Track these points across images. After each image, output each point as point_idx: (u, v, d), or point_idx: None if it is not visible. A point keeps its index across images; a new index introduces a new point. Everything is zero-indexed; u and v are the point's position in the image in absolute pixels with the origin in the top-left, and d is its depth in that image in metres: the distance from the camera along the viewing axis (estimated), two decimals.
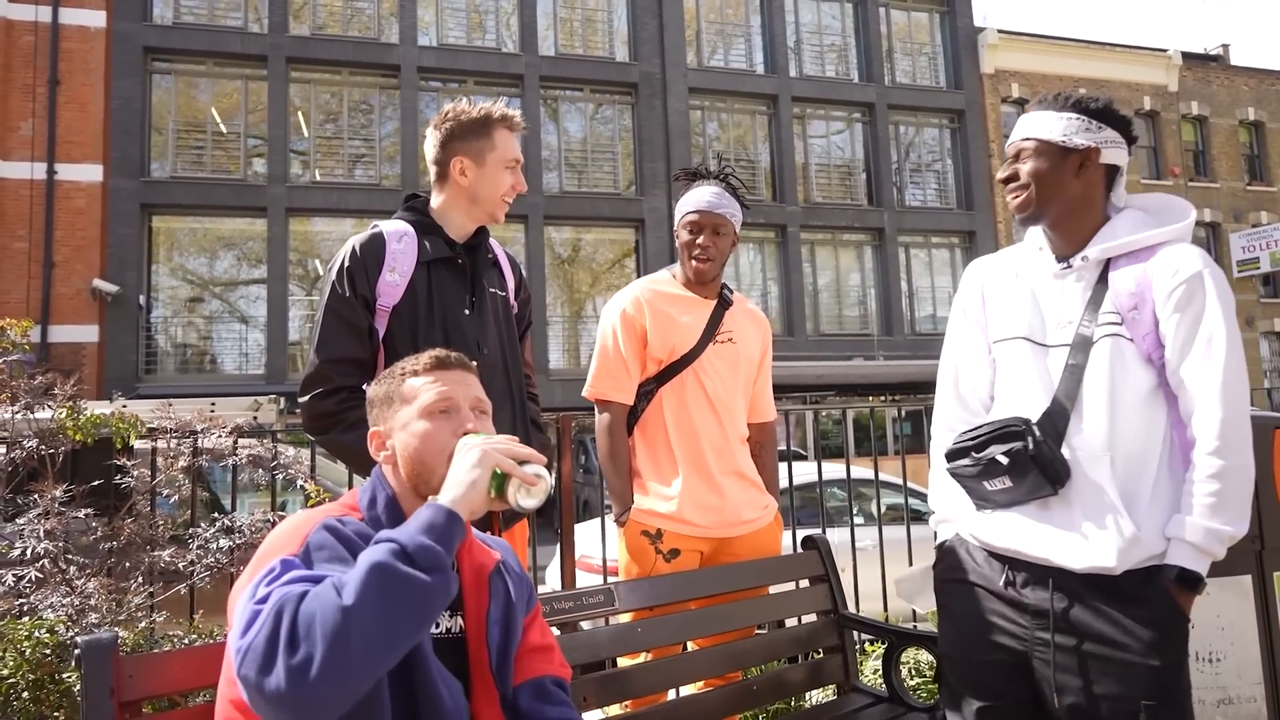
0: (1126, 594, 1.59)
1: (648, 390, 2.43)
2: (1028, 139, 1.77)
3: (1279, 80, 24.77)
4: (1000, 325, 1.81)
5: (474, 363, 2.02)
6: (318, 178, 17.04)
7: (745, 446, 2.50)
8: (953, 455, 1.76)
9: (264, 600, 1.09)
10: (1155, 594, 1.58)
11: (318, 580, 1.11)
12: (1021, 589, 1.69)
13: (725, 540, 2.38)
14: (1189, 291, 1.61)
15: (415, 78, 17.28)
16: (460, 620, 1.38)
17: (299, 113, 17.04)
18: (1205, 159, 23.74)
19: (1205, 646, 2.48)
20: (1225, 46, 25.55)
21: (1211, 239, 23.49)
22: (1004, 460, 1.63)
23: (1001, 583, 1.71)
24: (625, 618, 2.14)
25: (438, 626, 1.34)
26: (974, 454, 1.70)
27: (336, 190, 16.86)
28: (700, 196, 2.42)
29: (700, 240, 2.40)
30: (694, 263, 2.41)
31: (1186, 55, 24.00)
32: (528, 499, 1.24)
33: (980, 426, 1.73)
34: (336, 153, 17.27)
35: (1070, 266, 1.73)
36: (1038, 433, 1.63)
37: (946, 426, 1.89)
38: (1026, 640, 1.67)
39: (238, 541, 2.73)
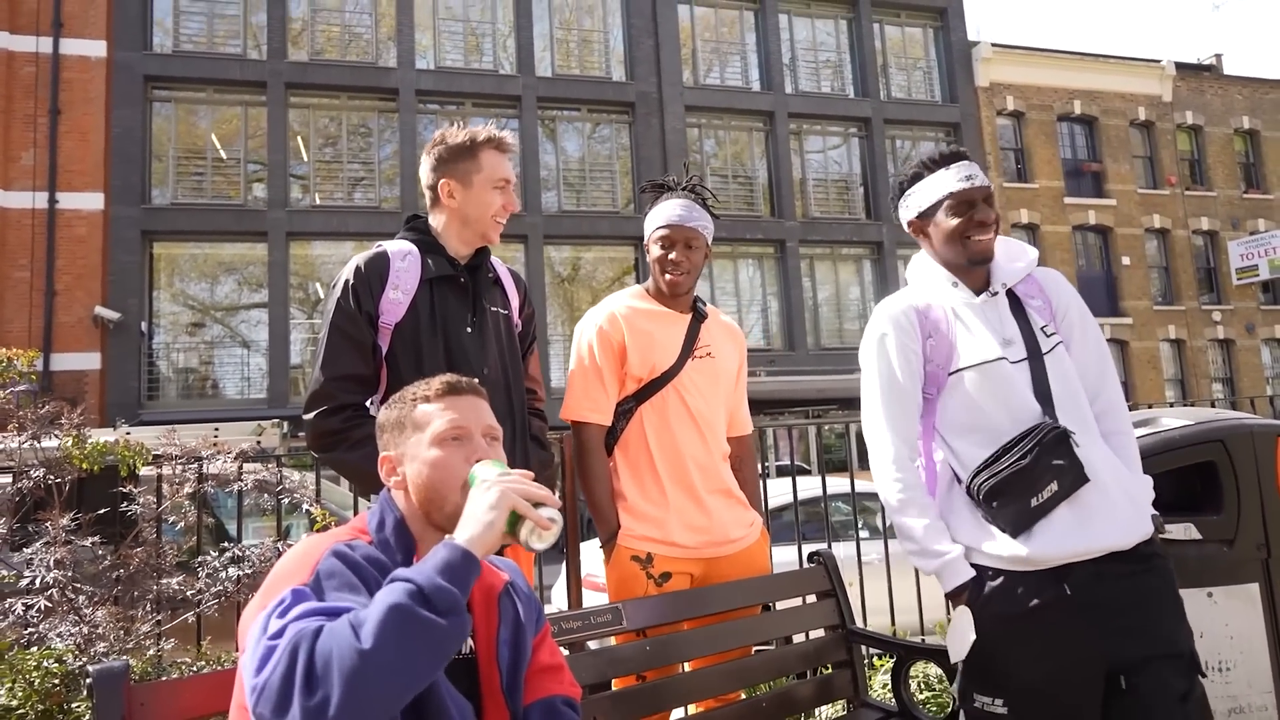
0: (1139, 562, 1.77)
1: (626, 409, 2.36)
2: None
3: (1273, 89, 24.92)
4: (967, 353, 1.91)
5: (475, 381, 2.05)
6: (317, 201, 17.13)
7: (727, 462, 2.45)
8: (996, 490, 1.77)
9: (277, 636, 1.09)
10: (1157, 558, 1.81)
11: (332, 614, 1.12)
12: (1080, 590, 1.73)
13: (714, 560, 2.33)
14: (1079, 304, 1.99)
15: (414, 101, 17.41)
16: (471, 642, 1.38)
17: (298, 137, 17.14)
18: (1201, 168, 23.83)
19: (1214, 655, 2.47)
20: (1218, 56, 25.72)
21: (1210, 247, 23.55)
22: (1062, 463, 1.74)
23: (1065, 591, 1.73)
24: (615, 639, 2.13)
25: None
26: (1023, 473, 1.75)
27: (336, 214, 16.94)
28: (670, 210, 2.36)
29: (673, 255, 2.34)
30: (667, 277, 2.36)
31: (1180, 65, 24.16)
32: (539, 542, 1.24)
33: (1011, 450, 1.77)
34: (336, 176, 17.36)
35: (995, 295, 1.95)
36: (1071, 432, 1.77)
37: (905, 471, 1.90)
38: (1095, 638, 1.72)
39: (246, 570, 2.73)
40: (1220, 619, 2.46)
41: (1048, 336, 1.91)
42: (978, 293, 1.94)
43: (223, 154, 16.74)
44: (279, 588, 1.20)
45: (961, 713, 1.84)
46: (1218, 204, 23.52)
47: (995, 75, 21.85)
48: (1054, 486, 1.74)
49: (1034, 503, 1.74)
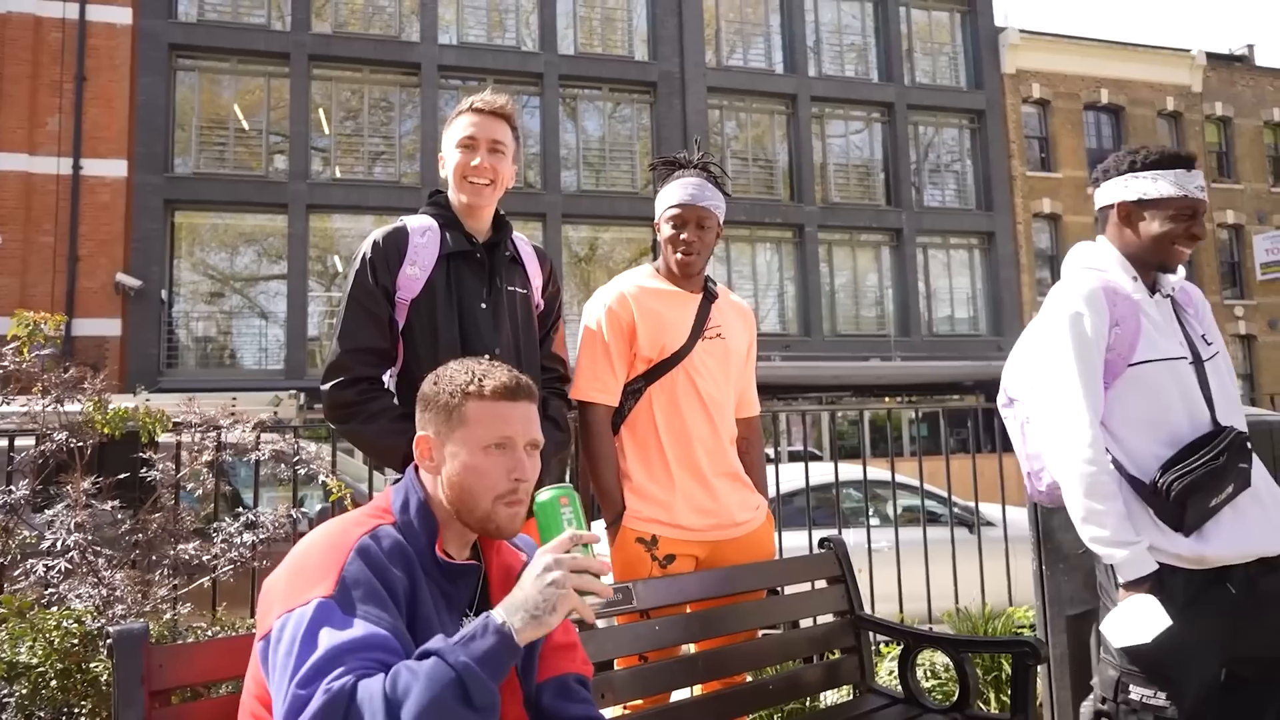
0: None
1: (635, 389, 2.34)
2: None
3: None
4: (1152, 347, 1.92)
5: (487, 357, 2.05)
6: (338, 175, 17.17)
7: (734, 445, 2.43)
8: (1189, 488, 1.79)
9: (308, 683, 1.09)
10: None
11: (363, 656, 1.12)
12: (1240, 589, 1.79)
13: (719, 544, 2.32)
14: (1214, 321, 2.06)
15: (435, 76, 17.37)
16: None
17: (320, 110, 17.16)
18: (1229, 160, 23.46)
19: None
20: (1250, 47, 25.24)
21: (1235, 241, 23.24)
22: (1245, 466, 1.82)
23: (1229, 590, 1.79)
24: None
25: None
26: (1215, 473, 1.78)
27: (356, 187, 16.98)
28: (681, 189, 2.34)
29: (684, 235, 2.33)
30: (679, 257, 2.34)
31: (1210, 55, 23.74)
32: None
33: (1202, 450, 1.81)
34: (356, 150, 17.38)
35: (1165, 296, 2.01)
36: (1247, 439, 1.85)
37: (1099, 453, 1.87)
38: (1249, 636, 1.79)
39: (260, 536, 2.77)
40: None
41: (1208, 345, 1.98)
42: (1151, 293, 2.00)
43: (245, 125, 16.79)
44: (304, 581, 1.19)
45: (1114, 705, 1.83)
46: (1245, 197, 23.17)
47: (1022, 62, 21.54)
48: (1230, 489, 1.80)
49: (1212, 503, 1.79)
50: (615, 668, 2.10)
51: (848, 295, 20.00)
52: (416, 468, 1.40)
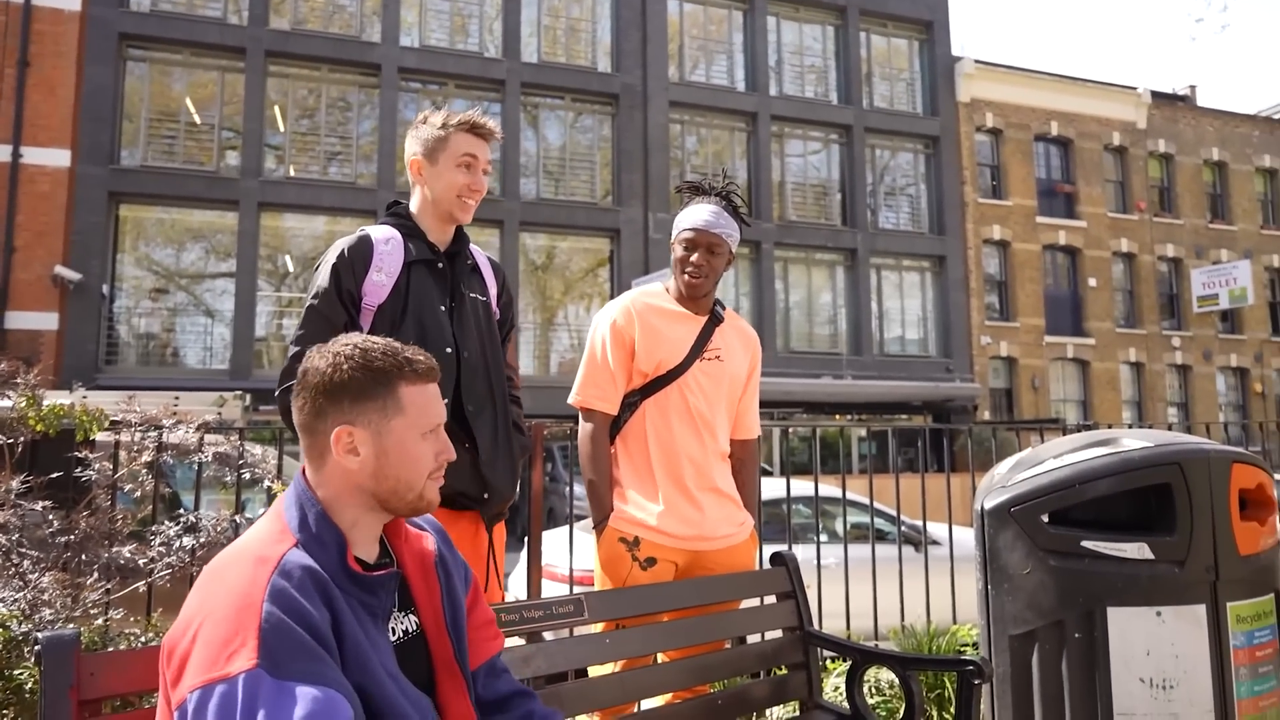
0: None
1: (631, 402, 2.42)
2: None
3: (1242, 123, 25.48)
4: None
5: (447, 350, 2.05)
6: (292, 173, 16.86)
7: (725, 463, 2.50)
8: None
9: None
10: None
11: None
12: None
13: (700, 554, 2.39)
14: None
15: (396, 78, 17.19)
16: (414, 618, 1.35)
17: (275, 107, 16.85)
18: (1170, 195, 24.31)
19: (1159, 673, 2.52)
20: (1193, 87, 26.25)
21: (1173, 274, 24.05)
22: None
23: None
24: (596, 628, 2.14)
25: (394, 633, 1.29)
26: None
27: (310, 187, 16.69)
28: (698, 214, 2.43)
29: (694, 258, 2.41)
30: (686, 278, 2.43)
31: (1156, 94, 24.62)
32: None
33: None
34: (312, 149, 17.10)
35: None
36: None
37: None
38: None
39: (200, 540, 2.68)
40: (1167, 638, 2.51)
41: None
42: None
43: (197, 118, 16.40)
44: (217, 644, 1.04)
45: None
46: (1184, 232, 24.02)
47: (976, 91, 22.10)
48: None
49: None
50: (567, 679, 2.09)
51: (802, 313, 20.22)
52: (304, 474, 1.28)
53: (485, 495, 2.05)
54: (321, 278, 2.03)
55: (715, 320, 2.52)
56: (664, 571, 2.33)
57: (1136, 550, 2.58)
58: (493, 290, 2.29)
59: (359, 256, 2.04)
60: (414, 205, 2.19)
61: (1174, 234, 23.88)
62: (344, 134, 17.28)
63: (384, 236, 2.10)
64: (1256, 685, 2.58)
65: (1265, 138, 25.44)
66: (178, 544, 2.64)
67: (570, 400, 2.46)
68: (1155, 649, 2.51)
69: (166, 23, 16.14)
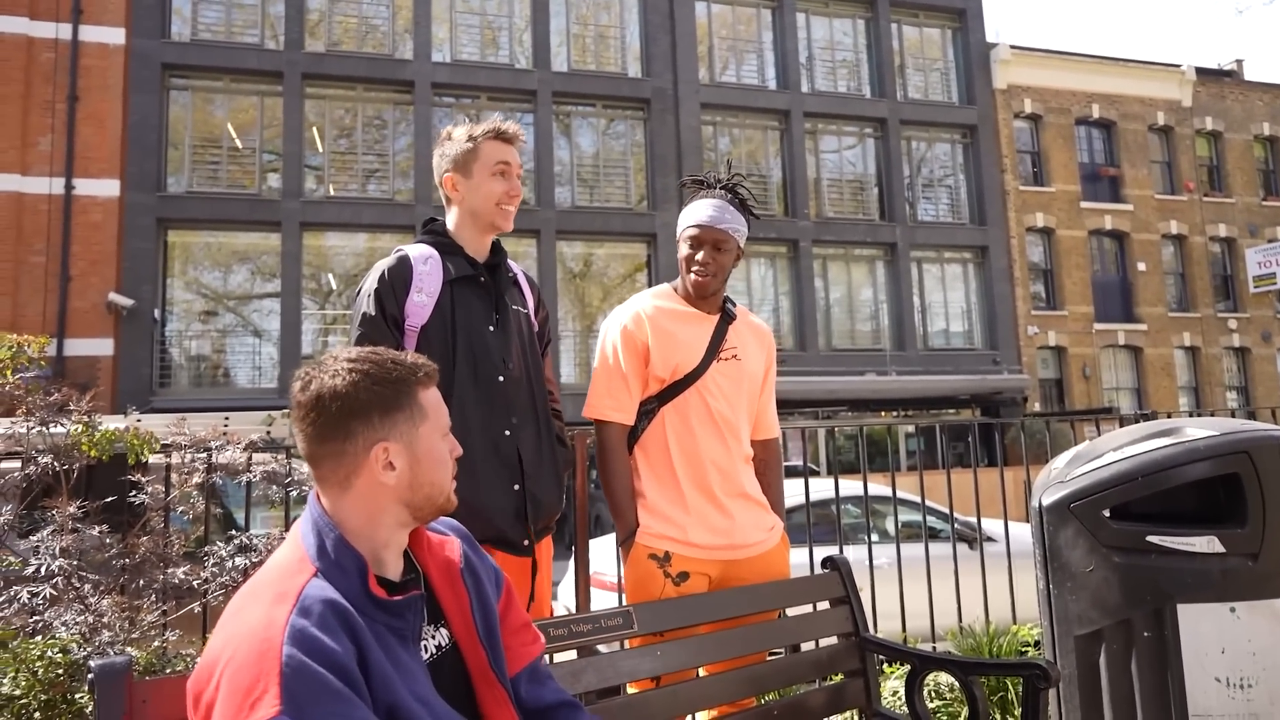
0: None
1: (649, 409, 2.33)
2: None
3: None
4: None
5: (499, 379, 2.04)
6: (331, 193, 17.15)
7: (750, 466, 2.42)
8: None
9: None
10: None
11: None
12: None
13: (733, 563, 2.30)
14: None
15: (429, 93, 17.40)
16: (446, 631, 1.32)
17: (313, 128, 17.17)
18: (1220, 174, 23.61)
19: (1236, 672, 2.42)
20: (1239, 62, 25.46)
21: (1226, 254, 23.35)
22: None
23: None
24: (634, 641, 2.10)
25: (426, 650, 1.26)
26: None
27: (350, 205, 16.96)
28: (702, 210, 2.34)
29: (700, 256, 2.32)
30: (693, 278, 2.34)
31: (1200, 70, 23.93)
32: None
33: None
34: (350, 168, 17.38)
35: None
36: None
37: None
38: None
39: (253, 560, 2.71)
40: (1243, 634, 2.41)
41: None
42: None
43: (238, 143, 16.78)
44: (240, 692, 1.02)
45: None
46: (1236, 211, 23.30)
47: (1013, 78, 21.69)
48: None
49: None
50: (619, 693, 2.06)
51: (842, 310, 20.01)
52: (319, 498, 1.25)
53: (528, 522, 2.03)
54: (365, 303, 2.02)
55: (728, 318, 2.42)
56: (698, 585, 2.24)
57: (1206, 544, 2.47)
58: (531, 304, 2.27)
59: (399, 279, 2.03)
60: (450, 223, 2.18)
61: (1225, 213, 23.17)
62: (380, 151, 17.54)
63: (422, 255, 2.09)
64: None
65: None
66: (230, 564, 2.67)
67: (584, 413, 2.36)
68: (1231, 646, 2.41)
69: (206, 51, 16.55)
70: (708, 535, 2.25)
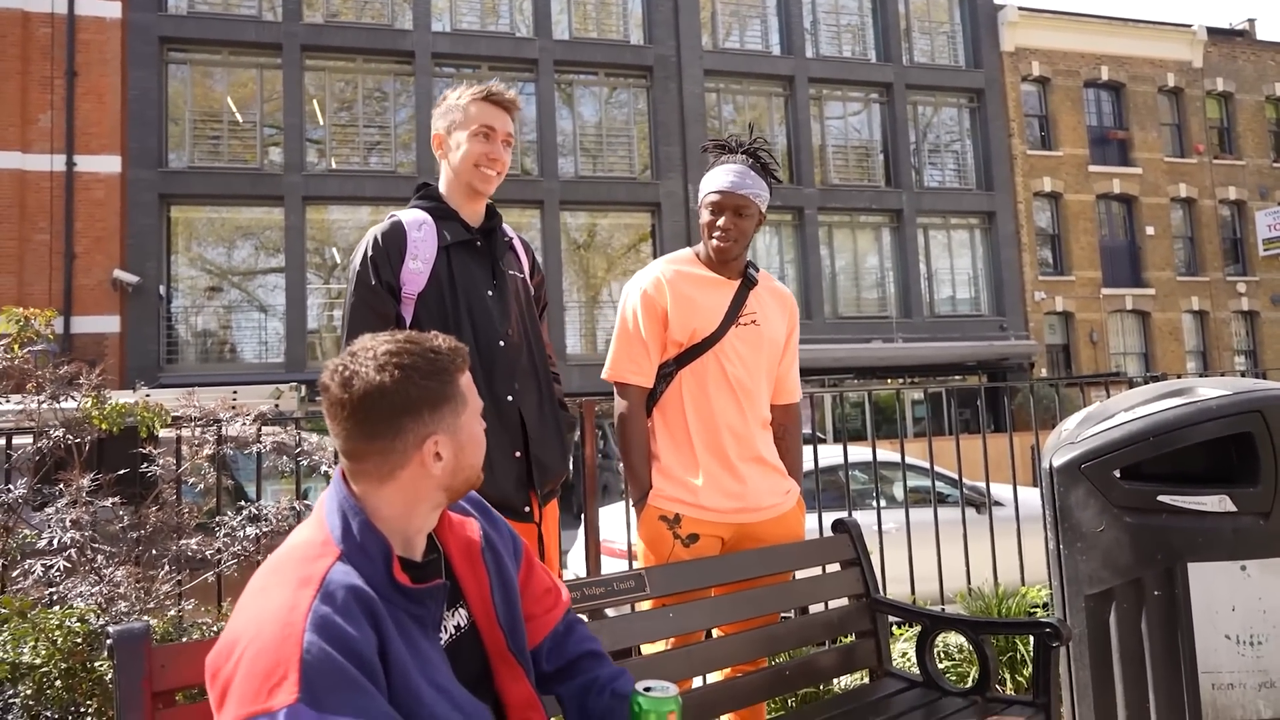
0: None
1: (667, 372, 2.36)
2: None
3: None
4: None
5: (500, 344, 2.03)
6: (333, 166, 17.06)
7: (767, 431, 2.43)
8: None
9: None
10: None
11: None
12: None
13: (746, 526, 2.32)
14: None
15: (429, 64, 17.24)
16: (465, 611, 1.32)
17: (314, 101, 17.05)
18: (1230, 136, 23.32)
19: (1246, 630, 2.43)
20: (1251, 21, 25.02)
21: (1236, 217, 23.13)
22: None
23: None
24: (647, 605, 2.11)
25: (445, 632, 1.27)
26: None
27: (352, 178, 16.88)
28: (723, 175, 2.34)
29: (721, 221, 2.32)
30: (715, 243, 2.34)
31: (1211, 30, 23.55)
32: None
33: None
34: (352, 140, 17.28)
35: None
36: None
37: None
38: None
39: (264, 530, 2.73)
40: (1254, 592, 2.41)
41: None
42: None
43: (239, 117, 16.68)
44: (259, 676, 1.01)
45: None
46: (1246, 173, 23.04)
47: (1021, 40, 21.37)
48: None
49: None
50: (630, 655, 2.07)
51: (848, 277, 19.92)
52: (346, 479, 1.23)
53: (533, 488, 2.04)
54: (360, 271, 2.00)
55: (749, 284, 2.42)
56: (709, 547, 2.27)
57: (1217, 503, 2.47)
58: (526, 268, 2.27)
59: (394, 245, 2.01)
60: (443, 185, 2.16)
61: (1235, 176, 22.92)
62: (382, 124, 17.42)
63: (416, 221, 2.07)
64: None
65: None
66: (242, 533, 2.69)
67: (604, 375, 2.40)
68: (1242, 604, 2.41)
69: (204, 24, 16.39)
70: (720, 498, 2.27)
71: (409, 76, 17.32)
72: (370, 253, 2.01)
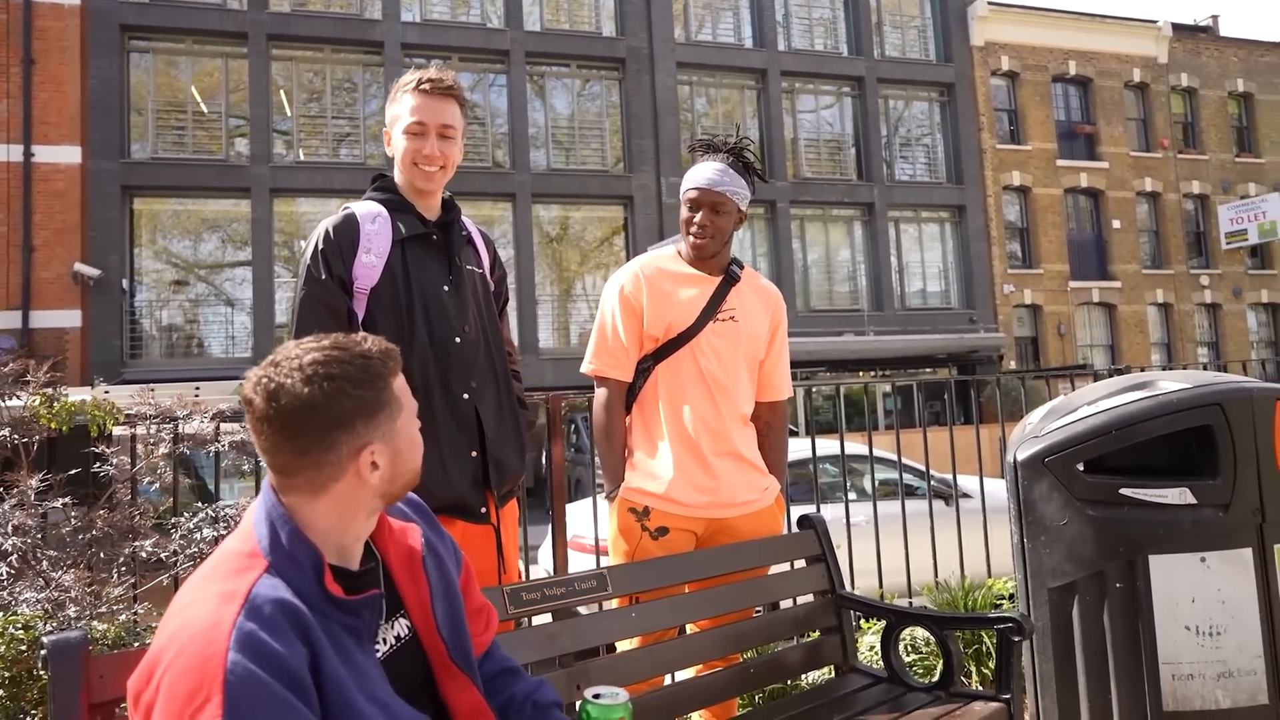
0: None
1: (645, 368, 2.37)
2: None
3: (1268, 51, 24.69)
4: None
5: (456, 340, 1.98)
6: (301, 157, 16.82)
7: (747, 427, 2.43)
8: None
9: None
10: None
11: None
12: None
13: (720, 521, 2.32)
14: None
15: (399, 55, 17.03)
16: (406, 621, 1.28)
17: (281, 91, 16.78)
18: (1194, 131, 23.69)
19: (1205, 620, 2.45)
20: (1215, 18, 25.41)
21: (1200, 211, 23.52)
22: None
23: None
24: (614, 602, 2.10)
25: (385, 643, 1.22)
26: None
27: (321, 170, 16.64)
28: (702, 173, 2.36)
29: (698, 218, 2.34)
30: (691, 240, 2.37)
31: (1176, 26, 23.88)
32: None
33: None
34: (320, 132, 17.04)
35: None
36: None
37: None
38: None
39: (222, 531, 2.67)
40: (1213, 584, 2.44)
41: None
42: None
43: (204, 107, 16.37)
44: (180, 698, 0.96)
45: None
46: (1209, 167, 23.42)
47: (991, 34, 21.54)
48: None
49: None
50: (598, 654, 2.06)
51: (820, 271, 20.00)
52: (274, 489, 1.16)
53: (490, 488, 2.00)
54: (310, 264, 1.94)
55: (731, 280, 2.43)
56: (680, 541, 2.27)
57: (1178, 495, 2.49)
58: (486, 262, 2.21)
59: (345, 238, 1.95)
60: (397, 176, 2.10)
61: (1199, 170, 23.29)
62: (351, 115, 17.19)
63: (370, 214, 2.01)
64: None
65: None
66: (199, 535, 2.63)
67: (583, 369, 2.42)
68: (1201, 595, 2.44)
69: (167, 11, 16.05)
70: (691, 493, 2.27)
71: (379, 67, 17.11)
72: (321, 245, 1.95)
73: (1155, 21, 23.35)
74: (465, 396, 1.98)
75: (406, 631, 1.27)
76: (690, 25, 19.61)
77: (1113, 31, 22.90)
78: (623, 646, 2.18)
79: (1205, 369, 13.79)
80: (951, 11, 21.24)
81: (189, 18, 16.12)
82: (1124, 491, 2.47)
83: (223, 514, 2.72)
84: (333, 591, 1.12)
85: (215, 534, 2.66)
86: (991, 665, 3.23)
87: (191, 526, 2.65)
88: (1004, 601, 3.74)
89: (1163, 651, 2.41)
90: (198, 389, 4.89)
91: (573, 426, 13.65)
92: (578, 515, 4.97)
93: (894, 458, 5.43)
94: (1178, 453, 2.56)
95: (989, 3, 21.50)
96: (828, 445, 5.42)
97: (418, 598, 1.28)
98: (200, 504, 2.82)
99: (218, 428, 2.92)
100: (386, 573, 1.27)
